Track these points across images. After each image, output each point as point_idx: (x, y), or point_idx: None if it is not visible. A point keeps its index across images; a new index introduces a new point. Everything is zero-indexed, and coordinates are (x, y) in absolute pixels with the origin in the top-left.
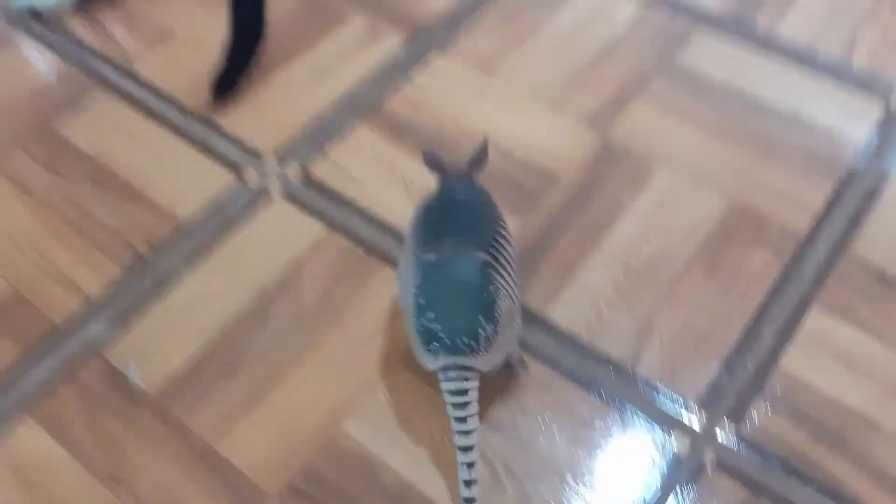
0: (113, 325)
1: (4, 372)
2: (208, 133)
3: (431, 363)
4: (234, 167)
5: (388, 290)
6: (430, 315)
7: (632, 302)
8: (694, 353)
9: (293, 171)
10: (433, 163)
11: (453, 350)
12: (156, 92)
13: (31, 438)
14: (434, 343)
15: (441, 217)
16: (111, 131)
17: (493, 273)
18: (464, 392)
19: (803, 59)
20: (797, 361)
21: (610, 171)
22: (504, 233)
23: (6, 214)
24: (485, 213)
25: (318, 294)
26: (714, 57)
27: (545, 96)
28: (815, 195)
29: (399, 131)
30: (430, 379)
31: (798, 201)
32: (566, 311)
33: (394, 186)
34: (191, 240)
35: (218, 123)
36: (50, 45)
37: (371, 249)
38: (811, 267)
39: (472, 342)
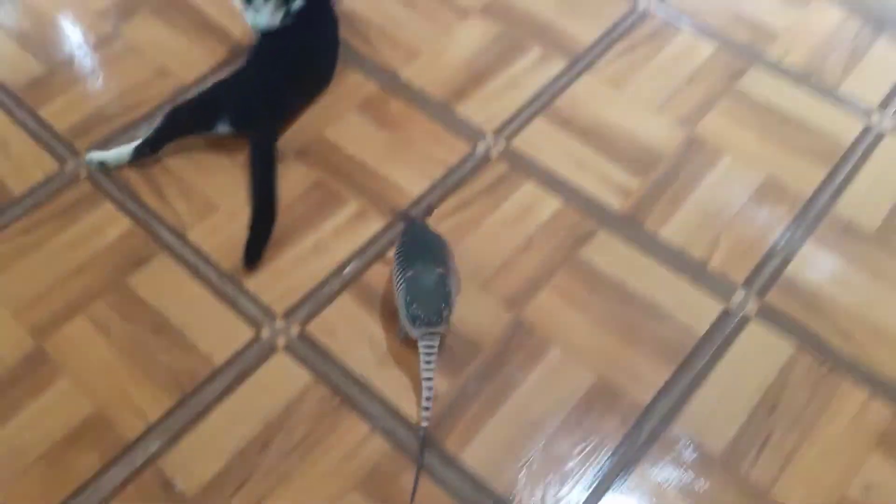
0: (166, 443)
1: (89, 475)
2: (237, 294)
3: (417, 333)
4: (254, 324)
5: (352, 437)
6: (414, 306)
7: (517, 451)
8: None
9: (295, 330)
10: (403, 215)
11: (428, 323)
12: (201, 256)
13: None
14: (418, 321)
15: (412, 249)
16: (168, 287)
17: (446, 278)
18: (433, 346)
19: (672, 260)
20: None
21: (518, 346)
22: (449, 254)
23: (90, 351)
24: (437, 244)
25: (303, 431)
26: (608, 254)
27: (478, 281)
28: (658, 376)
29: (372, 300)
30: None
31: (645, 379)
32: (475, 452)
33: (363, 344)
34: (220, 381)
35: (245, 286)
36: (123, 209)
37: (344, 399)
38: (645, 433)
39: (438, 318)
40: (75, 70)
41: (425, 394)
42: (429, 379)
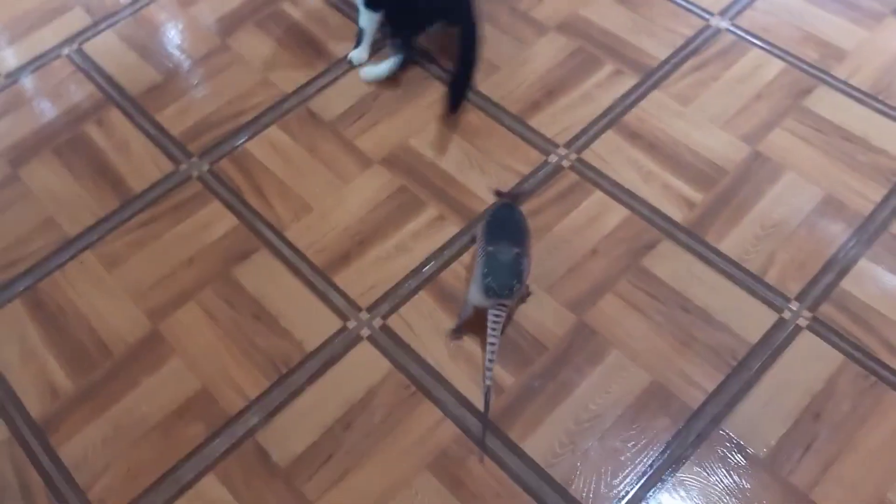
0: (263, 418)
1: (196, 444)
2: (328, 288)
3: (488, 302)
4: (342, 316)
5: (425, 422)
6: (489, 279)
7: (576, 442)
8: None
9: (377, 322)
10: (499, 193)
11: (499, 295)
12: (297, 252)
13: (212, 488)
14: (490, 292)
15: (498, 227)
16: (267, 279)
17: (522, 258)
18: (500, 317)
19: (730, 271)
20: None
21: (581, 347)
22: (529, 239)
23: (199, 335)
24: (521, 227)
25: (382, 414)
26: (668, 263)
27: (545, 284)
28: (710, 380)
29: (447, 299)
30: (450, 478)
31: (697, 383)
32: (538, 442)
33: (437, 338)
34: (311, 366)
35: (334, 281)
36: (229, 207)
37: (419, 388)
38: (694, 433)
39: (509, 292)
40: (188, 79)
41: (489, 356)
42: (493, 345)
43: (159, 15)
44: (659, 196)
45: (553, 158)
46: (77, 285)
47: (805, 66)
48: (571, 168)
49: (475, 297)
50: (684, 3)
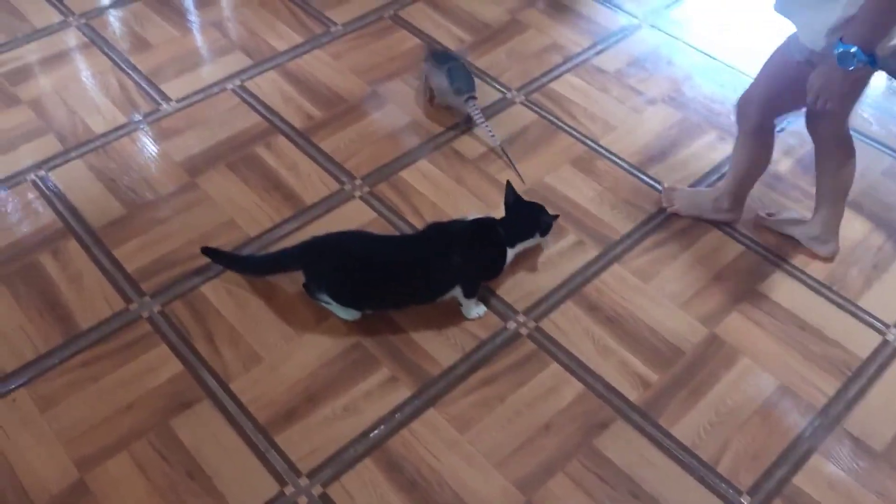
0: None
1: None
2: (269, 448)
3: (462, 99)
4: (280, 480)
5: None
6: (457, 84)
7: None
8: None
9: (317, 490)
10: (429, 47)
11: (469, 90)
12: (241, 406)
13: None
14: (462, 91)
15: (441, 56)
16: (206, 433)
17: (469, 68)
18: (476, 105)
19: (682, 458)
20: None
21: None
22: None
23: (127, 491)
24: (454, 54)
25: None
26: (621, 445)
27: (493, 460)
28: None
29: (393, 469)
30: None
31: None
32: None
33: None
34: None
35: (277, 442)
36: (176, 352)
37: None
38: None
39: (473, 87)
40: (151, 215)
41: (489, 130)
42: (484, 123)
43: (131, 148)
44: (615, 373)
45: (512, 325)
46: (6, 425)
47: (763, 252)
48: (529, 336)
49: (451, 99)
50: (648, 180)
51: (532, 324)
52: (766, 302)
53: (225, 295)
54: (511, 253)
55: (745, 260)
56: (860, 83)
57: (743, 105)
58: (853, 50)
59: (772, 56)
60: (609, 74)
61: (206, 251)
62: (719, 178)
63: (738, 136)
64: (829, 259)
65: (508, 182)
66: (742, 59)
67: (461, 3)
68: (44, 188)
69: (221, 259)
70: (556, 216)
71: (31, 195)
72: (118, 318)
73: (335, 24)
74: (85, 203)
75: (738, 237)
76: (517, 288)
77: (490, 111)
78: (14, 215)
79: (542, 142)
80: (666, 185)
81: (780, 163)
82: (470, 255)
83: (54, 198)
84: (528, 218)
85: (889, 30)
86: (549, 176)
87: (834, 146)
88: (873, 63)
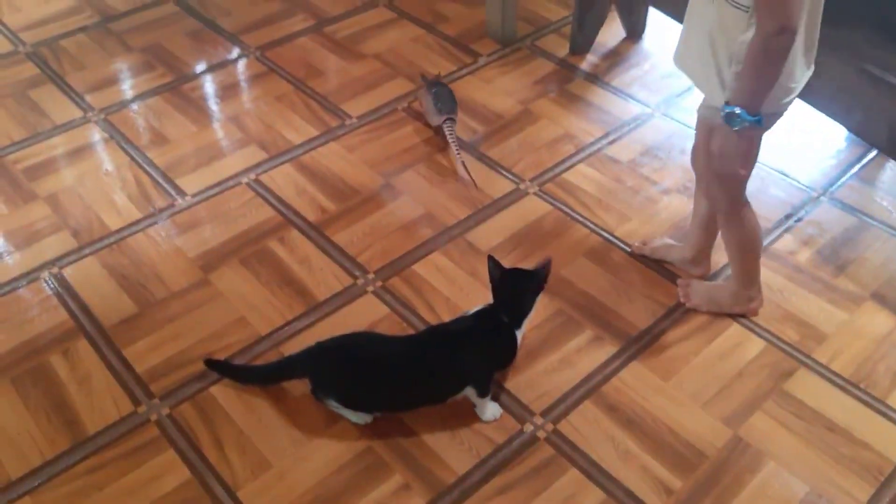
0: None
1: None
2: None
3: (440, 119)
4: None
5: None
6: (440, 104)
7: None
8: None
9: None
10: (424, 78)
11: (450, 112)
12: None
13: None
14: (443, 111)
15: (432, 84)
16: None
17: (452, 94)
18: (452, 126)
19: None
20: None
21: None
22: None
23: None
24: (446, 86)
25: None
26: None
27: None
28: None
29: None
30: None
31: None
32: None
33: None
34: None
35: None
36: (184, 457)
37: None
38: None
39: (454, 109)
40: (163, 313)
41: (454, 149)
42: (454, 141)
43: (145, 244)
44: (637, 479)
45: (529, 427)
46: None
47: (785, 347)
48: (547, 440)
49: (433, 119)
50: (665, 273)
51: (550, 426)
52: (791, 401)
53: (234, 397)
54: (520, 334)
55: (767, 356)
56: (754, 143)
57: (707, 192)
58: (738, 111)
59: (696, 135)
60: (622, 164)
61: (210, 364)
62: None
63: (720, 225)
64: (702, 277)
65: (490, 257)
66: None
67: (474, 94)
68: (56, 286)
69: (225, 370)
70: (549, 261)
71: (44, 293)
72: (126, 422)
73: (350, 116)
74: (97, 301)
75: (759, 332)
76: (533, 387)
77: (503, 203)
78: (27, 314)
79: (556, 234)
80: (681, 279)
81: (800, 253)
82: (477, 351)
83: (67, 296)
84: (523, 289)
85: (768, 92)
86: (565, 269)
87: (727, 210)
88: (759, 122)
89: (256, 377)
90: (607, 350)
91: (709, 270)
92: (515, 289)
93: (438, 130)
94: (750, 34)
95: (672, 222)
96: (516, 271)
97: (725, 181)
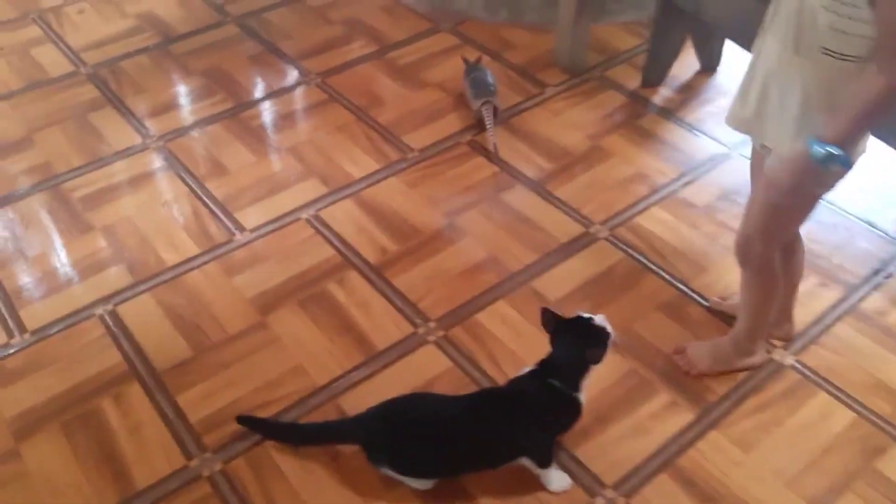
0: None
1: None
2: None
3: (478, 103)
4: None
5: None
6: (478, 89)
7: None
8: None
9: None
10: (466, 62)
11: (487, 94)
12: None
13: None
14: (480, 95)
15: (471, 68)
16: None
17: (492, 77)
18: (490, 109)
19: None
20: None
21: None
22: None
23: None
24: (484, 69)
25: None
26: None
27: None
28: None
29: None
30: None
31: None
32: None
33: None
34: None
35: None
36: None
37: None
38: None
39: (490, 91)
40: (218, 358)
41: (490, 133)
42: (490, 124)
43: (202, 282)
44: None
45: (600, 502)
46: None
47: (877, 420)
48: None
49: (472, 102)
50: None
51: (622, 500)
52: (883, 482)
53: (289, 453)
54: (582, 396)
55: (857, 429)
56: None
57: (743, 246)
58: (837, 152)
59: (755, 187)
60: (699, 208)
61: (243, 421)
62: (824, 331)
63: (743, 278)
64: (786, 339)
65: (543, 309)
66: (841, 195)
67: (539, 128)
68: (111, 324)
69: (261, 428)
70: (609, 335)
71: (98, 332)
72: (177, 477)
73: (412, 149)
74: (151, 342)
75: (848, 402)
76: (604, 455)
77: (571, 247)
78: (79, 354)
79: (628, 284)
80: (675, 348)
81: (890, 314)
82: (529, 419)
83: (121, 336)
84: (580, 345)
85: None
86: (638, 323)
87: (759, 268)
88: (850, 166)
89: (297, 437)
90: (684, 417)
91: (793, 332)
92: (574, 343)
93: (477, 114)
94: (858, 83)
95: None
96: (574, 325)
97: (771, 233)
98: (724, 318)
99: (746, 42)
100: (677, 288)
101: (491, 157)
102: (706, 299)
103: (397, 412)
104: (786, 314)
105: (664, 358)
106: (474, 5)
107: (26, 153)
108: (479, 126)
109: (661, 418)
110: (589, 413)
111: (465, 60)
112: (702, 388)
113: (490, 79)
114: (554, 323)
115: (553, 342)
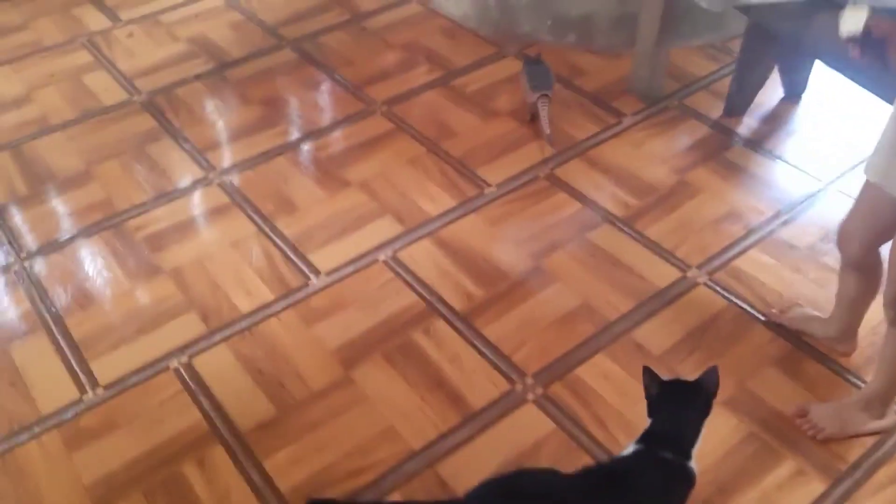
0: None
1: None
2: None
3: (535, 96)
4: None
5: None
6: (535, 82)
7: None
8: None
9: None
10: (525, 56)
11: (544, 88)
12: None
13: None
14: (536, 88)
15: (529, 60)
16: None
17: (550, 69)
18: (546, 103)
19: None
20: None
21: None
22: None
23: None
24: (544, 63)
25: None
26: None
27: None
28: None
29: None
30: None
31: None
32: None
33: None
34: None
35: None
36: None
37: None
38: None
39: (548, 85)
40: (304, 418)
41: (545, 125)
42: (545, 116)
43: (280, 331)
44: None
45: None
46: None
47: None
48: None
49: (528, 95)
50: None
51: None
52: None
53: None
54: (693, 464)
55: None
56: None
57: (842, 240)
58: None
59: (865, 189)
60: (801, 250)
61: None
62: None
63: (841, 267)
64: (847, 355)
65: (645, 368)
66: None
67: (621, 161)
68: (188, 378)
69: None
70: (714, 370)
71: (174, 387)
72: None
73: (489, 184)
74: (232, 400)
75: None
76: None
77: (669, 294)
78: (157, 411)
79: (736, 335)
80: (796, 409)
81: None
82: (651, 500)
83: (199, 391)
84: (689, 409)
85: None
86: (752, 381)
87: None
88: None
89: None
90: (814, 487)
91: (855, 347)
92: (682, 408)
93: (532, 107)
94: None
95: (870, 326)
96: (679, 385)
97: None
98: (844, 374)
99: (846, 67)
100: (790, 341)
101: (565, 187)
102: (763, 314)
103: (512, 492)
104: (852, 332)
105: (785, 420)
106: (540, 28)
107: (86, 188)
108: (534, 119)
109: (788, 489)
110: (709, 483)
111: (526, 56)
112: (830, 454)
113: (549, 73)
114: (657, 383)
115: (656, 408)
